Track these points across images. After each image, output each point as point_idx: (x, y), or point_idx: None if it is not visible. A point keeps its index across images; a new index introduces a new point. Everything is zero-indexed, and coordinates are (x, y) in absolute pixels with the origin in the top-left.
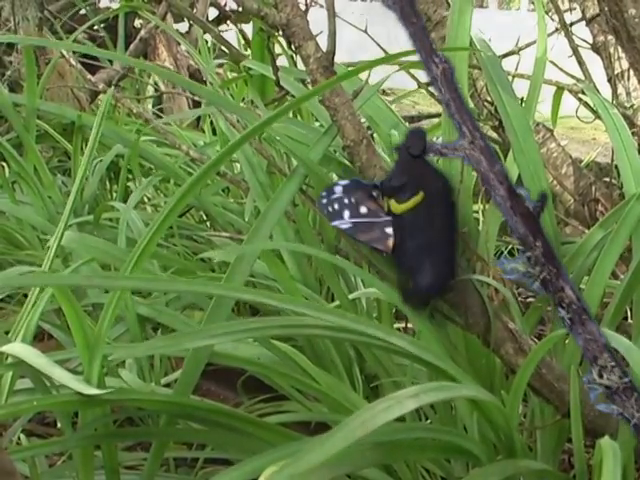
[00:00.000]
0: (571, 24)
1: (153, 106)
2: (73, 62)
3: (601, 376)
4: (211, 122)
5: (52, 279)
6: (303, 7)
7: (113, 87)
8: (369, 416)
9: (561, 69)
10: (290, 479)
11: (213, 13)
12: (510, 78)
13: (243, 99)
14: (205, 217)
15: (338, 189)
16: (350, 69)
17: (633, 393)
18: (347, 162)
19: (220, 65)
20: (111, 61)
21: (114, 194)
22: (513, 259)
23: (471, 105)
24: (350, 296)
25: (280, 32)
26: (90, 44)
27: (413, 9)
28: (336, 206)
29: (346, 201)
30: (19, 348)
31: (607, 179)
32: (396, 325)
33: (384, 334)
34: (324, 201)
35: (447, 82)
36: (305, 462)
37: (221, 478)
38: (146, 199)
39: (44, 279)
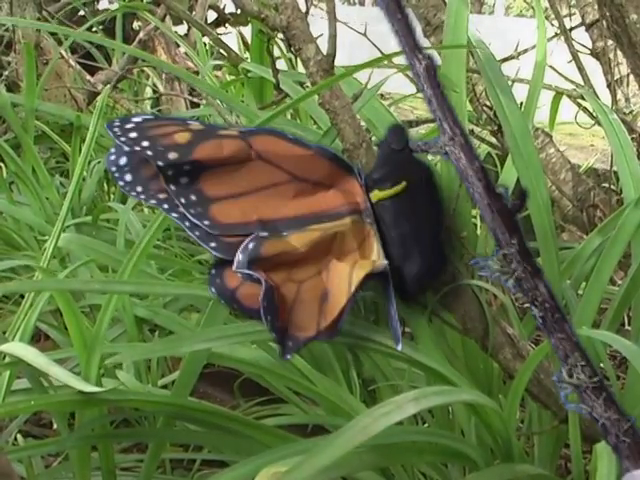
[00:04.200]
0: (571, 29)
1: (151, 108)
2: (72, 63)
3: (571, 375)
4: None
5: (51, 284)
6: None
7: (110, 86)
8: (370, 421)
9: (560, 74)
10: None
11: (212, 16)
12: (509, 83)
13: (242, 102)
14: None
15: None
16: (346, 70)
17: (602, 393)
18: None
19: (219, 68)
20: (110, 62)
21: (112, 196)
22: (487, 257)
23: (469, 109)
24: None
25: (280, 34)
26: (88, 46)
27: (399, 5)
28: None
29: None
30: (17, 347)
31: (606, 185)
32: None
33: (382, 337)
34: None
35: (430, 78)
36: (309, 467)
37: (217, 479)
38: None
39: (43, 284)
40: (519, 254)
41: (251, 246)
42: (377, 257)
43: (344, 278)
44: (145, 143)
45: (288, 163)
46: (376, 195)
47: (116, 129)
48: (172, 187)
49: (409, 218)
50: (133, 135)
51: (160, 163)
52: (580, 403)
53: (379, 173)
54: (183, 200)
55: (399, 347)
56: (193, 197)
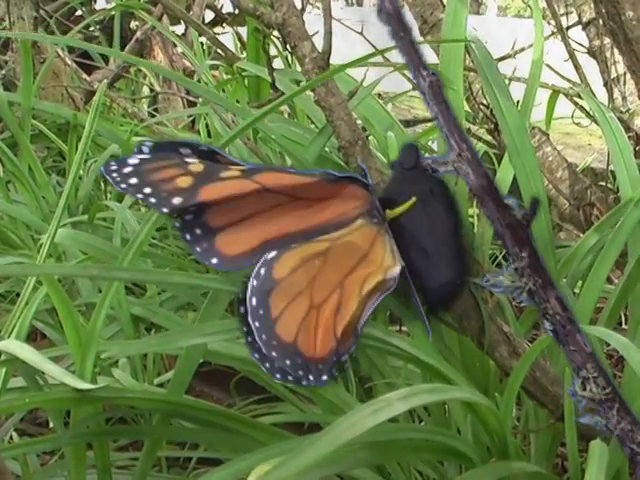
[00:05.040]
0: (567, 28)
1: (148, 107)
2: (69, 62)
3: (584, 388)
4: (206, 124)
5: (48, 269)
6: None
7: (106, 83)
8: (358, 418)
9: (557, 72)
10: None
11: (210, 16)
12: (506, 81)
13: (237, 101)
14: None
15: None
16: (340, 65)
17: (614, 404)
18: (342, 163)
19: (216, 67)
20: (107, 61)
21: (109, 194)
22: (496, 273)
23: (466, 108)
24: None
25: (276, 32)
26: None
27: (401, 23)
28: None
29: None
30: (13, 345)
31: (603, 183)
32: (389, 328)
33: (381, 334)
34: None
35: (435, 95)
36: (293, 465)
37: (211, 477)
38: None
39: (40, 269)
40: (529, 267)
41: (263, 272)
42: (391, 261)
43: (357, 286)
44: (147, 190)
45: (294, 189)
46: (389, 214)
47: (115, 175)
48: (177, 224)
49: (425, 232)
50: (134, 181)
51: (165, 210)
52: (595, 415)
53: (391, 193)
54: (189, 237)
55: (430, 338)
56: (198, 231)
